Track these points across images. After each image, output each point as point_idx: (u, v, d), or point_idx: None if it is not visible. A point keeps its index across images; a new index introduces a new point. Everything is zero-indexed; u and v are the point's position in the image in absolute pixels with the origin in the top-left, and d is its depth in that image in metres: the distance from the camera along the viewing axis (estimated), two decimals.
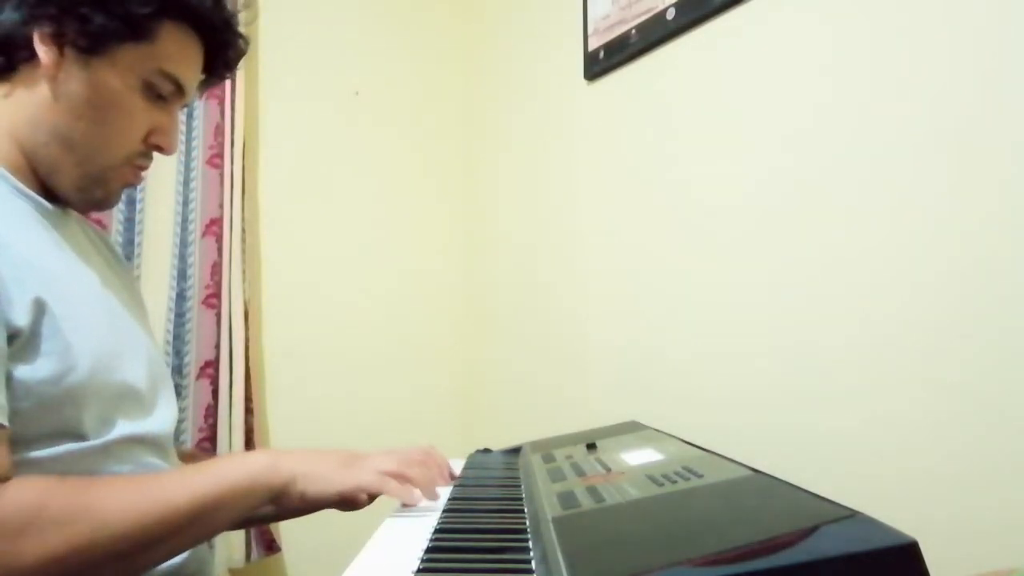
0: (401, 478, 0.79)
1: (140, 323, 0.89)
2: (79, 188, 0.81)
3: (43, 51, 0.75)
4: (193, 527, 0.71)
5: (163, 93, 0.82)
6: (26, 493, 0.64)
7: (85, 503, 0.66)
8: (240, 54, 0.90)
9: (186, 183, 1.81)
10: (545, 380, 1.69)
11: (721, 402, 1.15)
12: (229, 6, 0.87)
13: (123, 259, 0.99)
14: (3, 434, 0.66)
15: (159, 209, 1.79)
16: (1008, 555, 0.74)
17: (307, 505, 0.78)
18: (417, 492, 0.78)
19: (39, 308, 0.70)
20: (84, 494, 0.67)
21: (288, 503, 0.77)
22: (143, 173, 0.86)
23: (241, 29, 0.89)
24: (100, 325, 0.78)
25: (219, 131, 1.81)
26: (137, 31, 0.78)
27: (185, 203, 1.80)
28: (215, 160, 1.81)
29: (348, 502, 0.78)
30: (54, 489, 0.66)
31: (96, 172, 0.80)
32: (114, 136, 0.80)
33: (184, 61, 0.83)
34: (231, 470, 0.74)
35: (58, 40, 0.76)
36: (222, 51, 0.87)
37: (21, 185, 0.78)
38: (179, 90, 0.83)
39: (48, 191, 0.81)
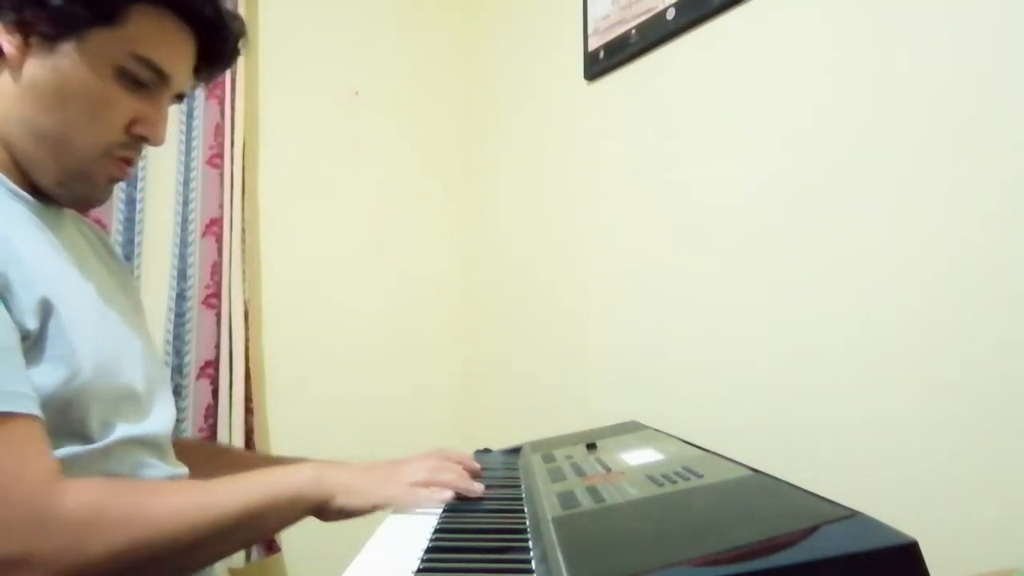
0: (434, 484, 0.83)
1: (136, 323, 0.88)
2: (59, 183, 0.78)
3: (6, 41, 0.73)
4: (239, 533, 0.74)
5: (141, 79, 0.78)
6: (89, 493, 0.66)
7: (142, 505, 0.69)
8: (237, 38, 0.86)
9: (186, 183, 1.81)
10: (545, 380, 1.69)
11: (721, 402, 1.15)
12: None
13: (120, 257, 0.98)
14: (40, 427, 0.66)
15: (159, 209, 1.79)
16: (1008, 555, 0.74)
17: (343, 517, 0.81)
18: (448, 492, 0.82)
19: (46, 311, 0.70)
20: (139, 497, 0.70)
21: (326, 516, 0.80)
22: (132, 168, 0.83)
23: (240, 11, 0.86)
24: (99, 328, 0.77)
25: (219, 131, 1.81)
26: (105, 15, 0.74)
27: (185, 203, 1.80)
28: (215, 160, 1.81)
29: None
30: (111, 490, 0.69)
31: (75, 166, 0.77)
32: (89, 126, 0.76)
33: (162, 45, 0.79)
34: (278, 482, 0.77)
35: (22, 29, 0.73)
36: (214, 37, 0.83)
37: (15, 187, 0.76)
38: (161, 77, 0.79)
39: (40, 190, 0.79)
